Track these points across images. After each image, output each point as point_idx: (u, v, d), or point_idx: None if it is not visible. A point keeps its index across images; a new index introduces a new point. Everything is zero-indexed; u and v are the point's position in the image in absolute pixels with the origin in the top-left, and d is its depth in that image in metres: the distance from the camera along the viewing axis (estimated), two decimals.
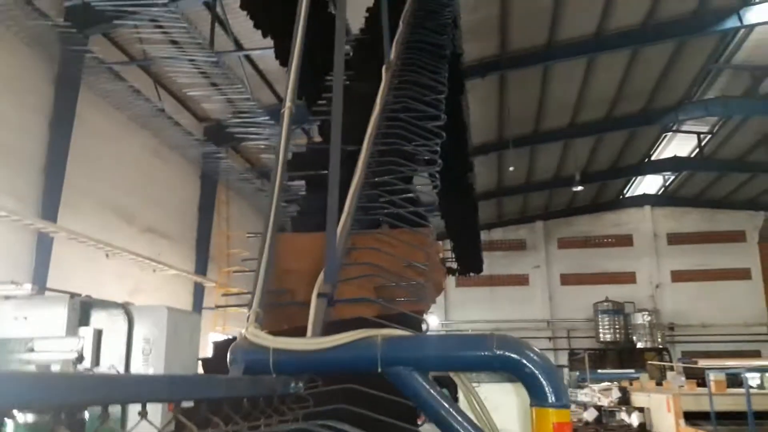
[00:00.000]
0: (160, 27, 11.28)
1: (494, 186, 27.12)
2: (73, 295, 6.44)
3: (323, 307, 2.86)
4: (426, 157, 4.48)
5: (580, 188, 23.78)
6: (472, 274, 27.94)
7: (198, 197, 16.35)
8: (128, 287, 12.85)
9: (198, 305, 15.80)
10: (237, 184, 17.66)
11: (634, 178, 29.47)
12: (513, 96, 18.76)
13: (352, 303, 3.14)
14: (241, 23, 10.87)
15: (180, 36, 11.29)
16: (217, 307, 14.88)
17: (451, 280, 31.73)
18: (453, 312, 31.86)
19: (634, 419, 12.15)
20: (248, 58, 13.24)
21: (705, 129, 23.88)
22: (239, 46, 12.09)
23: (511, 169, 21.63)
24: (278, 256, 3.63)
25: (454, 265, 27.25)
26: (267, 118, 14.49)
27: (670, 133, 24.59)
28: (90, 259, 11.51)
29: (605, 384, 14.12)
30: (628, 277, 30.48)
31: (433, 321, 31.20)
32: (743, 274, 29.20)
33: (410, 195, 4.04)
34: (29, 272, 9.74)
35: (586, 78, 18.25)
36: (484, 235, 31.47)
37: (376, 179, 4.04)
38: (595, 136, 22.98)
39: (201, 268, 15.96)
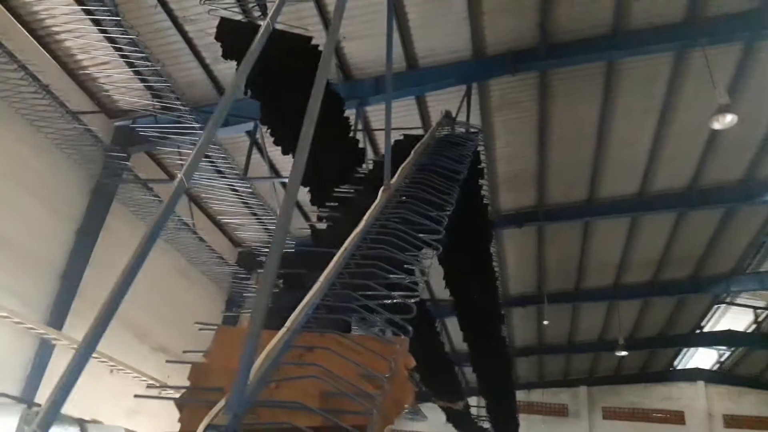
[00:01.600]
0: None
1: (534, 342, 25.79)
2: (30, 405, 6.01)
3: None
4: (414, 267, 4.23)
5: (624, 353, 22.23)
6: None
7: (221, 321, 16.02)
8: (127, 407, 12.21)
9: None
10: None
11: (686, 350, 27.51)
12: (552, 249, 18.33)
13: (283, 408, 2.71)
14: (279, 154, 11.23)
15: (220, 163, 11.70)
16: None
17: None
18: None
19: None
20: (283, 185, 13.57)
21: (762, 303, 22.49)
22: (276, 173, 12.40)
23: (545, 323, 20.59)
24: (222, 350, 3.40)
25: (486, 425, 25.31)
26: None
27: (724, 305, 23.24)
28: (91, 373, 11.04)
29: None
30: None
31: None
32: None
33: (390, 301, 3.72)
34: (21, 380, 9.35)
35: (629, 238, 17.73)
36: (523, 396, 29.57)
37: (352, 281, 3.78)
38: (641, 300, 21.88)
39: None
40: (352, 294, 3.60)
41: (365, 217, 4.45)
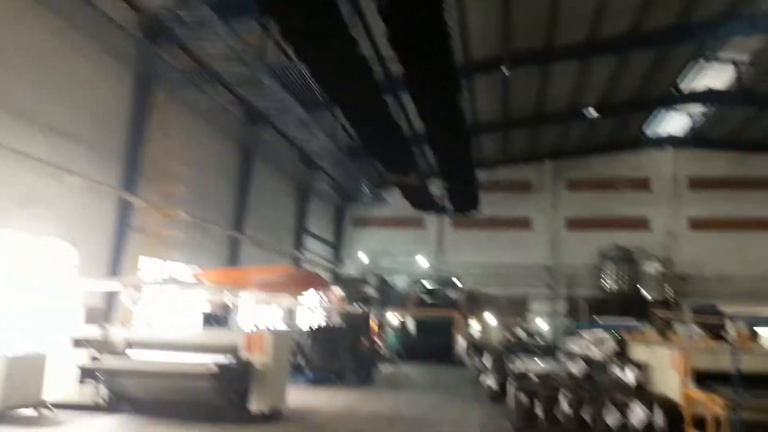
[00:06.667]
0: None
1: (500, 116, 24.18)
2: None
3: None
4: None
5: (595, 115, 20.72)
6: (467, 213, 25.58)
7: (130, 100, 13.76)
8: (16, 194, 10.47)
9: (123, 226, 13.42)
10: (182, 90, 15.03)
11: (657, 114, 26.31)
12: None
13: None
14: None
15: None
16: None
17: (446, 220, 29.37)
18: (447, 254, 29.56)
19: (629, 376, 9.69)
20: None
21: (745, 57, 20.62)
22: None
23: (507, 72, 18.41)
24: None
25: (448, 203, 24.80)
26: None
27: (704, 61, 21.32)
28: None
29: (598, 333, 11.63)
30: (642, 224, 27.81)
31: (422, 262, 28.96)
32: None
33: None
34: None
35: None
36: (488, 174, 28.93)
37: None
38: (617, 57, 19.80)
39: (129, 184, 13.50)
40: None
41: None
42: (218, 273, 14.45)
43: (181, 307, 14.71)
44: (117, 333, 9.83)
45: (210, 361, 8.57)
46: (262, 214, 21.45)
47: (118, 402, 9.41)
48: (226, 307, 17.18)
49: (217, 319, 16.02)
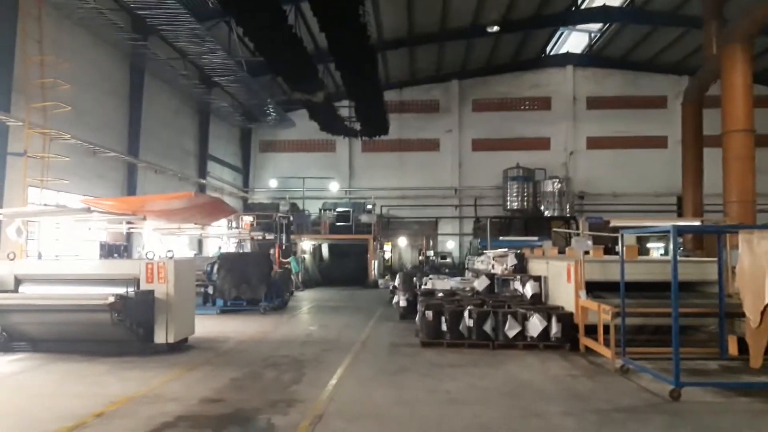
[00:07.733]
0: None
1: (405, 32, 23.67)
2: None
3: None
4: None
5: (496, 29, 20.74)
6: (376, 135, 25.41)
7: None
8: None
9: (0, 150, 12.22)
10: None
11: (559, 33, 26.80)
12: None
13: None
14: None
15: None
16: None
17: (356, 144, 29.10)
18: (358, 178, 29.50)
19: (528, 289, 10.23)
20: None
21: None
22: None
23: None
24: None
25: (357, 126, 24.47)
26: None
27: None
28: None
29: (501, 250, 12.10)
30: (543, 143, 28.86)
31: (334, 187, 28.85)
32: (660, 143, 28.16)
33: None
34: None
35: None
36: (395, 95, 28.72)
37: None
38: None
39: (2, 103, 12.19)
40: None
41: None
42: (113, 201, 13.61)
43: (76, 238, 13.84)
44: (4, 267, 9.09)
45: (109, 293, 8.14)
46: (159, 138, 20.26)
47: (12, 341, 8.83)
48: (126, 237, 16.38)
49: (116, 249, 15.28)
